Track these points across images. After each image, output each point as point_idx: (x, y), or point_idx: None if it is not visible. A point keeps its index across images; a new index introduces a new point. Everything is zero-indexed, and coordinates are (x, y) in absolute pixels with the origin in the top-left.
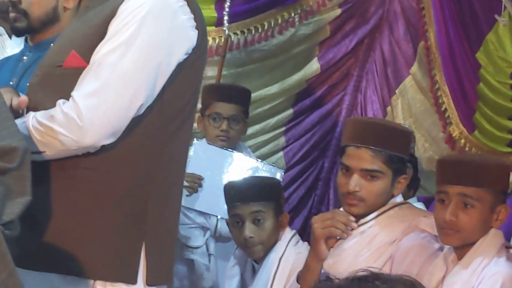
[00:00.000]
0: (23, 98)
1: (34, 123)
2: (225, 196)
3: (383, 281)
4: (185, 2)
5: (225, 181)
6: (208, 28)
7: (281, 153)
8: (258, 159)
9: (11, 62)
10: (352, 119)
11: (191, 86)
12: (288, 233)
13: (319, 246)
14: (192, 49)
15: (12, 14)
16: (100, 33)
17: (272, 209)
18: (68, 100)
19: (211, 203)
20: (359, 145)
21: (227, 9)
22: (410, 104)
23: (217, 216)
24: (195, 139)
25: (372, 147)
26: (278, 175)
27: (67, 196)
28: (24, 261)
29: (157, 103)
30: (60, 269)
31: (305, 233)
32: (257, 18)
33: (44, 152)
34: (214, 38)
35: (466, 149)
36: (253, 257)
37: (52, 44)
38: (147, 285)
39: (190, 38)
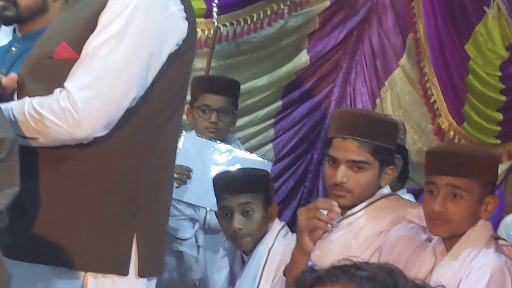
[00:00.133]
0: (12, 75)
1: (29, 110)
2: (214, 188)
3: (364, 269)
4: None
5: (214, 173)
6: (197, 20)
7: (270, 145)
8: (247, 151)
9: None
10: (338, 110)
11: (181, 77)
12: (277, 224)
13: (303, 238)
14: (183, 40)
15: (1, 3)
16: (90, 25)
17: (261, 201)
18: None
19: (200, 195)
20: (345, 136)
21: (216, 1)
22: (399, 96)
23: (206, 208)
24: (184, 131)
25: (358, 138)
26: (267, 167)
27: (58, 188)
28: (14, 252)
29: (147, 95)
30: (51, 261)
31: (294, 225)
32: (246, 10)
33: (37, 139)
34: (203, 30)
35: (455, 141)
36: (242, 248)
37: (41, 35)
38: (139, 276)
39: (181, 29)
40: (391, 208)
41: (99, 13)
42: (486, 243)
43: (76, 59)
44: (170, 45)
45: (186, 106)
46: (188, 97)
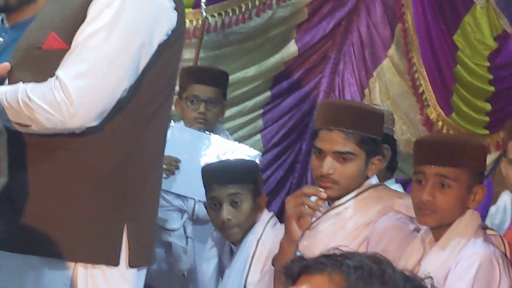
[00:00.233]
0: (5, 64)
1: (23, 97)
2: (202, 179)
3: (351, 258)
4: None
5: (202, 164)
6: (186, 10)
7: (258, 136)
8: (235, 142)
9: None
10: (324, 102)
11: (170, 67)
12: (266, 215)
13: (291, 226)
14: (172, 30)
15: None
16: (80, 15)
17: (250, 192)
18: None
19: (188, 185)
20: (331, 128)
21: None
22: (387, 86)
23: (194, 199)
24: (172, 121)
25: (344, 130)
26: (256, 158)
27: (48, 178)
28: (4, 243)
29: (137, 85)
30: (41, 252)
31: (283, 216)
32: (235, 0)
33: (30, 126)
34: (191, 21)
35: (444, 131)
36: (230, 239)
37: (29, 25)
38: (129, 266)
39: (170, 18)
40: (378, 199)
41: (89, 3)
42: (474, 233)
43: (65, 50)
44: (160, 35)
45: (175, 97)
46: (177, 88)
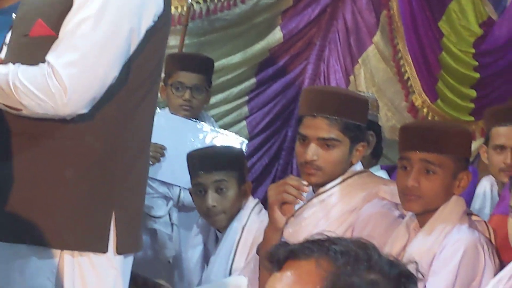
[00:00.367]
0: None
1: (14, 80)
2: (187, 165)
3: (337, 243)
4: None
5: (187, 151)
6: None
7: (244, 123)
8: (221, 129)
9: None
10: (308, 88)
11: (157, 54)
12: (251, 201)
13: (274, 214)
14: (159, 16)
15: None
16: (67, 2)
17: (235, 178)
18: None
19: (173, 173)
20: (315, 114)
21: None
22: (372, 73)
23: (179, 186)
24: (157, 108)
25: (328, 116)
26: (242, 145)
27: (36, 166)
28: None
29: (125, 71)
30: (28, 240)
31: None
32: None
33: (21, 110)
34: (176, 7)
35: (429, 118)
36: (216, 226)
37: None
38: (117, 253)
39: (157, 3)
40: (363, 185)
41: None
42: (459, 219)
43: (52, 36)
44: (148, 20)
45: (160, 84)
46: (162, 75)
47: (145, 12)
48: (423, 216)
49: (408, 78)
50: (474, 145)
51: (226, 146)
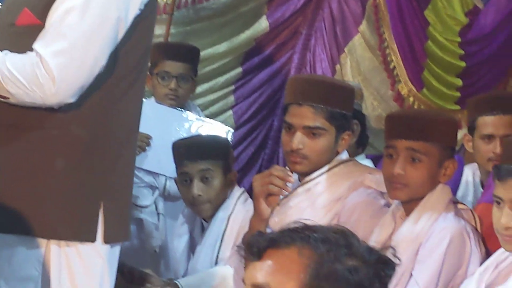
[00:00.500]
0: None
1: (2, 68)
2: (173, 154)
3: (314, 231)
4: None
5: (173, 140)
6: None
7: (230, 112)
8: (207, 118)
9: None
10: (294, 77)
11: (144, 42)
12: (236, 191)
13: (259, 205)
14: (145, 4)
15: None
16: None
17: (221, 168)
18: None
19: (159, 162)
20: (300, 102)
21: None
22: (358, 62)
23: (165, 175)
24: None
25: (314, 104)
26: (227, 134)
27: (22, 157)
28: None
29: (112, 60)
30: (15, 230)
31: None
32: None
33: (8, 98)
34: None
35: (415, 106)
36: (201, 215)
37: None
38: (105, 242)
39: None
40: (349, 174)
41: None
42: (445, 207)
43: (39, 25)
44: (135, 8)
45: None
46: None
47: (132, 0)
48: (409, 205)
49: (394, 67)
50: (460, 133)
51: (212, 135)
